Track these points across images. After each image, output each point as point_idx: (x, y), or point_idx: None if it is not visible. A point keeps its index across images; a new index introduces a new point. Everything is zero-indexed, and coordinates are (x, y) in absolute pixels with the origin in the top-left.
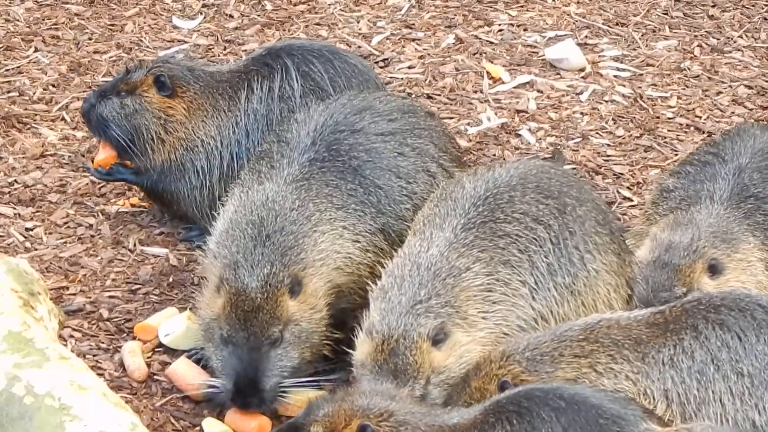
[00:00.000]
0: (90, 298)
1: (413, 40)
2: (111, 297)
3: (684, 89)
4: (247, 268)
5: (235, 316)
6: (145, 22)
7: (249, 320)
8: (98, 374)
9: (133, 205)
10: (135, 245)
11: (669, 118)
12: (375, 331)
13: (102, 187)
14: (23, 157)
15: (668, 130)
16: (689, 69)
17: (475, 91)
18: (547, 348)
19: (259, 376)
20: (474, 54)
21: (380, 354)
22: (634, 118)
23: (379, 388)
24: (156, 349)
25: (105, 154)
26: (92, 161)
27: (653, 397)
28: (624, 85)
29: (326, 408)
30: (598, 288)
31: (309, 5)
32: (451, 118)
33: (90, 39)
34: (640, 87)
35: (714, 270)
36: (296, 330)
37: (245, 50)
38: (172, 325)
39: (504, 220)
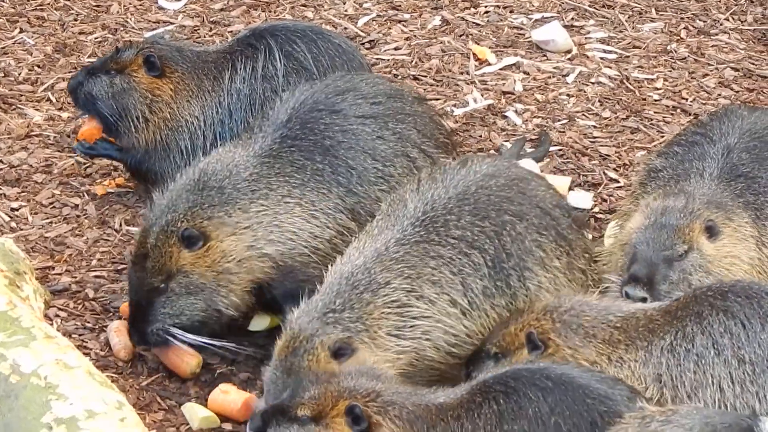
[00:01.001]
0: (76, 277)
1: (399, 21)
2: (97, 277)
3: (670, 71)
4: (161, 209)
5: (133, 254)
6: (130, 3)
7: (138, 263)
8: (84, 353)
9: (118, 186)
10: (120, 225)
11: (655, 100)
12: (289, 326)
13: (88, 167)
14: (8, 138)
15: (654, 112)
16: (676, 51)
17: (462, 73)
18: (586, 323)
19: (140, 318)
20: (460, 36)
21: (285, 349)
22: (621, 99)
23: (364, 369)
24: None
25: (89, 126)
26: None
27: (645, 382)
28: (610, 67)
29: (312, 390)
30: (540, 300)
31: None
32: (438, 99)
33: (75, 20)
34: (626, 69)
35: (711, 231)
36: (184, 282)
37: (231, 31)
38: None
39: (438, 242)
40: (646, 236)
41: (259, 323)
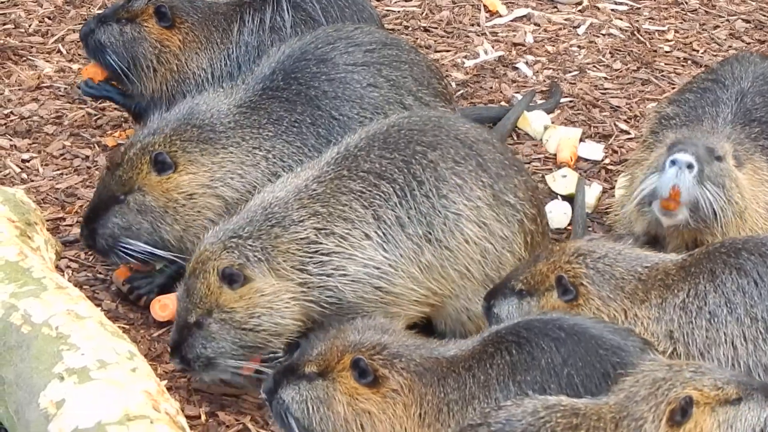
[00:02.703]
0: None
1: None
2: None
3: (681, 23)
4: (148, 130)
5: (109, 160)
6: None
7: (111, 170)
8: (95, 304)
9: (129, 137)
10: None
11: (666, 52)
12: (200, 246)
13: (98, 118)
14: (19, 89)
15: (665, 64)
16: (686, 2)
17: (472, 24)
18: (618, 273)
19: (93, 218)
20: None
21: (189, 269)
22: (632, 51)
23: (372, 323)
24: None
25: (95, 66)
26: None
27: (657, 338)
28: (621, 19)
29: (319, 347)
30: (462, 229)
31: None
32: (448, 51)
33: None
34: (637, 21)
35: (738, 160)
36: (139, 199)
37: None
38: None
39: (349, 177)
40: (688, 136)
41: None
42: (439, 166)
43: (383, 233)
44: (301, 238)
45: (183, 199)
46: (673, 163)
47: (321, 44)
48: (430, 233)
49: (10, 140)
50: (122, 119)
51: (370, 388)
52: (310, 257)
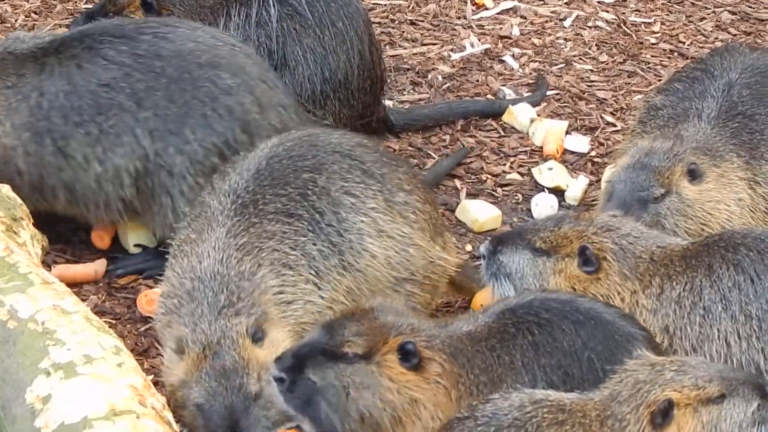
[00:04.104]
0: (73, 223)
1: None
2: None
3: (667, 15)
4: None
5: None
6: None
7: None
8: (82, 299)
9: None
10: None
11: (652, 44)
12: (190, 343)
13: None
14: None
15: (651, 56)
16: None
17: (459, 17)
18: (637, 252)
19: None
20: None
21: (203, 362)
22: (618, 43)
23: (388, 306)
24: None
25: None
26: None
27: (654, 332)
28: (608, 11)
29: (354, 327)
30: (367, 247)
31: None
32: (435, 44)
33: None
34: (623, 13)
35: (693, 174)
36: None
37: None
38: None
39: (260, 222)
40: (626, 175)
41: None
42: (332, 191)
43: (316, 271)
44: (271, 287)
45: None
46: None
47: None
48: (343, 260)
49: None
50: None
51: (415, 372)
52: (284, 307)
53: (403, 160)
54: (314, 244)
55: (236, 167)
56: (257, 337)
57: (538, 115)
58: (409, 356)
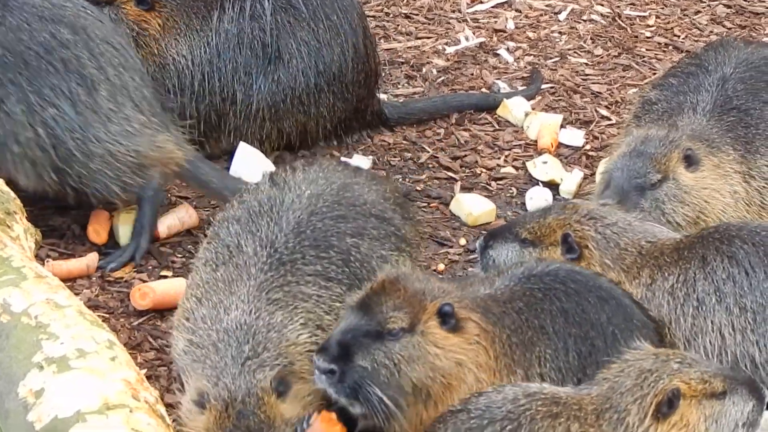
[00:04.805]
0: (66, 218)
1: None
2: (86, 215)
3: (662, 8)
4: None
5: None
6: None
7: None
8: (75, 293)
9: None
10: None
11: (647, 38)
12: (212, 399)
13: None
14: None
15: (646, 49)
16: None
17: (453, 11)
18: (622, 243)
19: None
20: None
21: (226, 421)
22: (613, 37)
23: (407, 272)
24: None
25: None
26: None
27: None
28: (602, 5)
29: (390, 302)
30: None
31: None
32: (429, 37)
33: None
34: (618, 6)
35: (690, 161)
36: None
37: None
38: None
39: (296, 282)
40: (623, 163)
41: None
42: (372, 260)
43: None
44: (302, 341)
45: None
46: None
47: None
48: None
49: None
50: None
51: (455, 334)
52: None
53: (410, 214)
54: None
55: (274, 210)
56: (281, 390)
57: (533, 109)
58: (447, 318)
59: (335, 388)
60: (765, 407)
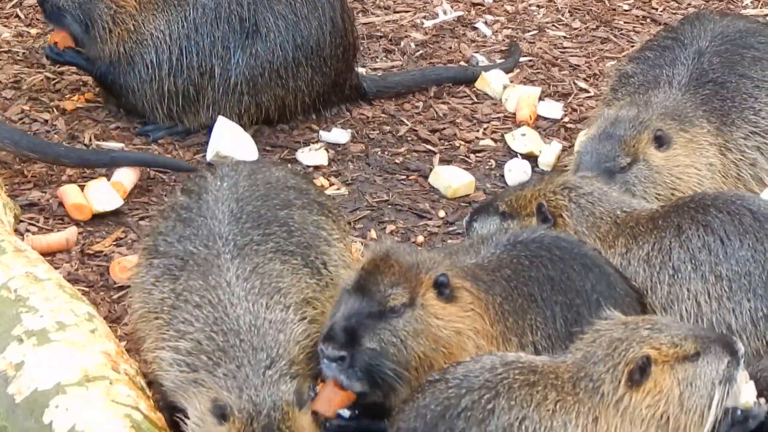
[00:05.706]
0: (45, 192)
1: None
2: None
3: None
4: None
5: None
6: None
7: None
8: (54, 267)
9: (87, 101)
10: (90, 140)
11: (625, 10)
12: (236, 412)
13: (57, 83)
14: None
15: (624, 22)
16: None
17: None
18: (597, 212)
19: None
20: None
21: None
22: (591, 10)
23: (396, 246)
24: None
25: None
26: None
27: None
28: None
29: (387, 280)
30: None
31: None
32: (407, 11)
33: None
34: None
35: (660, 141)
36: None
37: None
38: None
39: (263, 263)
40: (592, 146)
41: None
42: (309, 226)
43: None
44: (299, 333)
45: None
46: None
47: None
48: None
49: None
50: (81, 83)
51: (452, 303)
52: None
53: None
54: (310, 279)
55: (203, 209)
56: (301, 402)
57: (511, 82)
58: (443, 288)
59: (346, 374)
60: (741, 361)
